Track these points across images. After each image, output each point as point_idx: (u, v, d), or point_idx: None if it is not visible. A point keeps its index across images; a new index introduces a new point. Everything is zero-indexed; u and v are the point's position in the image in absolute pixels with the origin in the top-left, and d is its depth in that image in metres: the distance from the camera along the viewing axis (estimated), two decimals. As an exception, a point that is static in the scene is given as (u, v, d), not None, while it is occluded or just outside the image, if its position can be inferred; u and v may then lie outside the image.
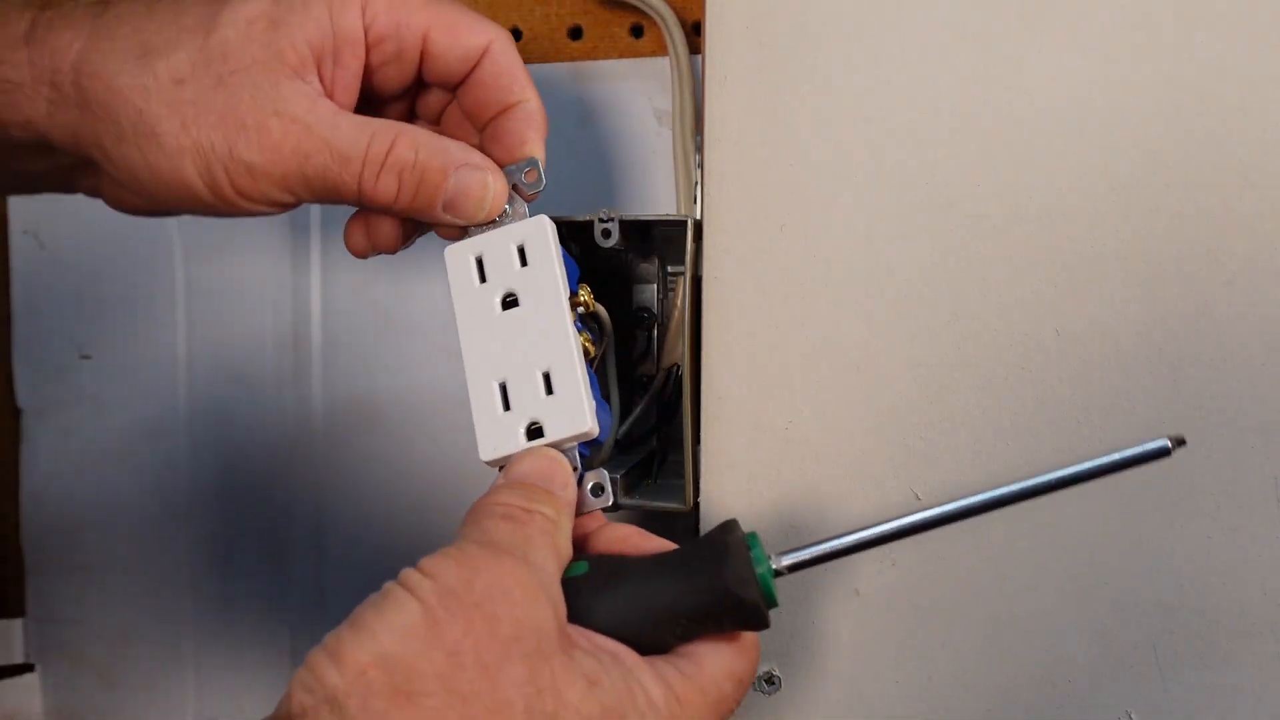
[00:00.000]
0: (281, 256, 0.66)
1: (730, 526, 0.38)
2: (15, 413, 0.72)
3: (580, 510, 0.41)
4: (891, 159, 0.48)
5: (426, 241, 0.63)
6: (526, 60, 0.61)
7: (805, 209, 0.49)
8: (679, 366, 0.53)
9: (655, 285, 0.56)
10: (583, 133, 0.60)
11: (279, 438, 0.67)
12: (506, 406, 0.41)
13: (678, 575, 0.37)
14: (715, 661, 0.37)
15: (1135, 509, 0.46)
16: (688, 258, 0.50)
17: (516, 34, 0.62)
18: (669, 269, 0.56)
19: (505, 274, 0.42)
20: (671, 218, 0.51)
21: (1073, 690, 0.47)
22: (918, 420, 0.48)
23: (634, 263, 0.56)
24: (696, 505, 0.51)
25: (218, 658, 0.69)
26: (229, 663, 0.69)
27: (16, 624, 0.72)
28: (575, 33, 0.60)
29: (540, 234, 0.42)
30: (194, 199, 0.41)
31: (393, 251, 0.46)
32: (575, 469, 0.41)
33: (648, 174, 0.59)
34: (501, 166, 0.43)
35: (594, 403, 0.40)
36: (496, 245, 0.43)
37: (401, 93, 0.45)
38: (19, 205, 0.71)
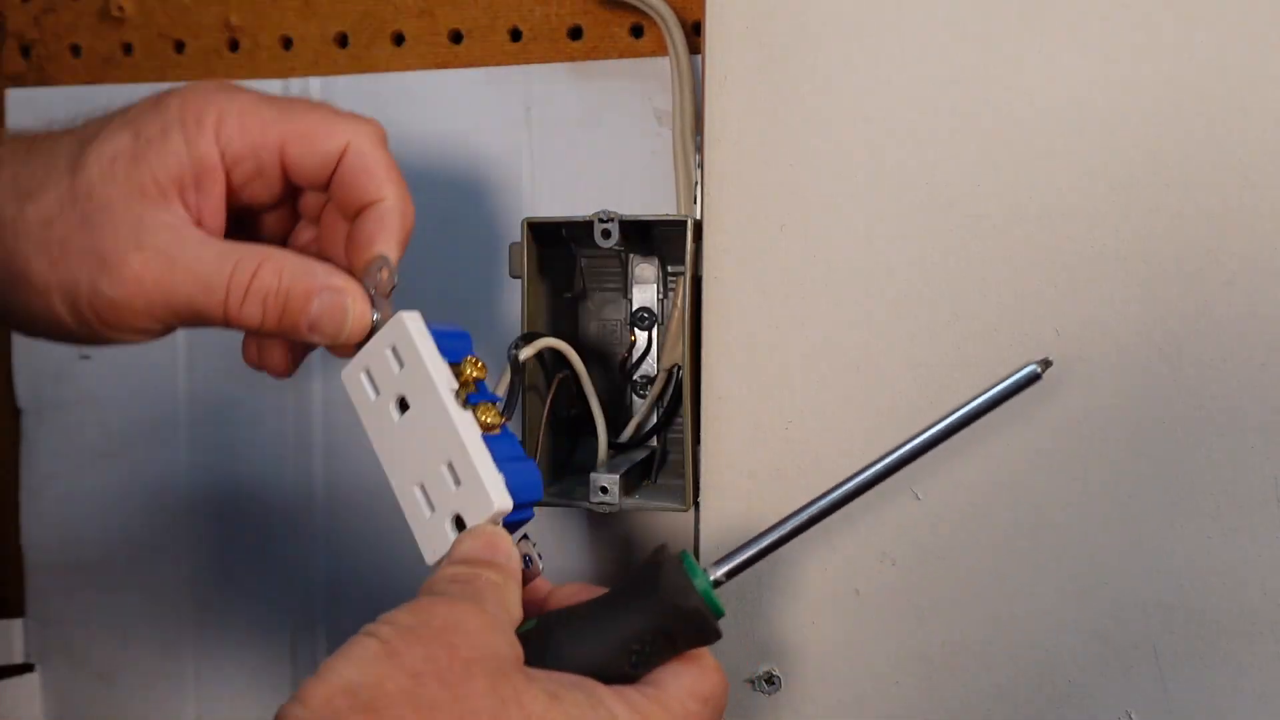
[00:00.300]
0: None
1: (659, 549, 0.39)
2: (15, 413, 0.72)
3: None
4: (891, 159, 0.48)
5: (418, 249, 0.63)
6: (526, 60, 0.61)
7: (805, 209, 0.49)
8: (679, 367, 0.53)
9: (655, 285, 0.56)
10: (583, 133, 0.60)
11: (279, 438, 0.67)
12: (432, 507, 0.42)
13: (621, 604, 0.38)
14: (676, 682, 0.38)
15: (1135, 509, 0.46)
16: (688, 258, 0.50)
17: (516, 34, 0.62)
18: (669, 269, 0.56)
19: (389, 380, 0.42)
20: (671, 218, 0.51)
21: (1073, 690, 0.47)
22: (918, 420, 0.48)
23: (633, 263, 0.57)
24: (696, 505, 0.51)
25: (218, 658, 0.69)
26: (229, 663, 0.69)
27: (16, 624, 0.72)
28: (575, 33, 0.60)
29: (401, 332, 0.42)
30: (68, 334, 0.42)
31: (282, 375, 0.47)
32: None
33: (648, 174, 0.59)
34: (363, 269, 0.43)
35: (500, 476, 0.40)
36: (375, 355, 0.43)
37: (278, 201, 0.45)
38: (19, 205, 0.71)
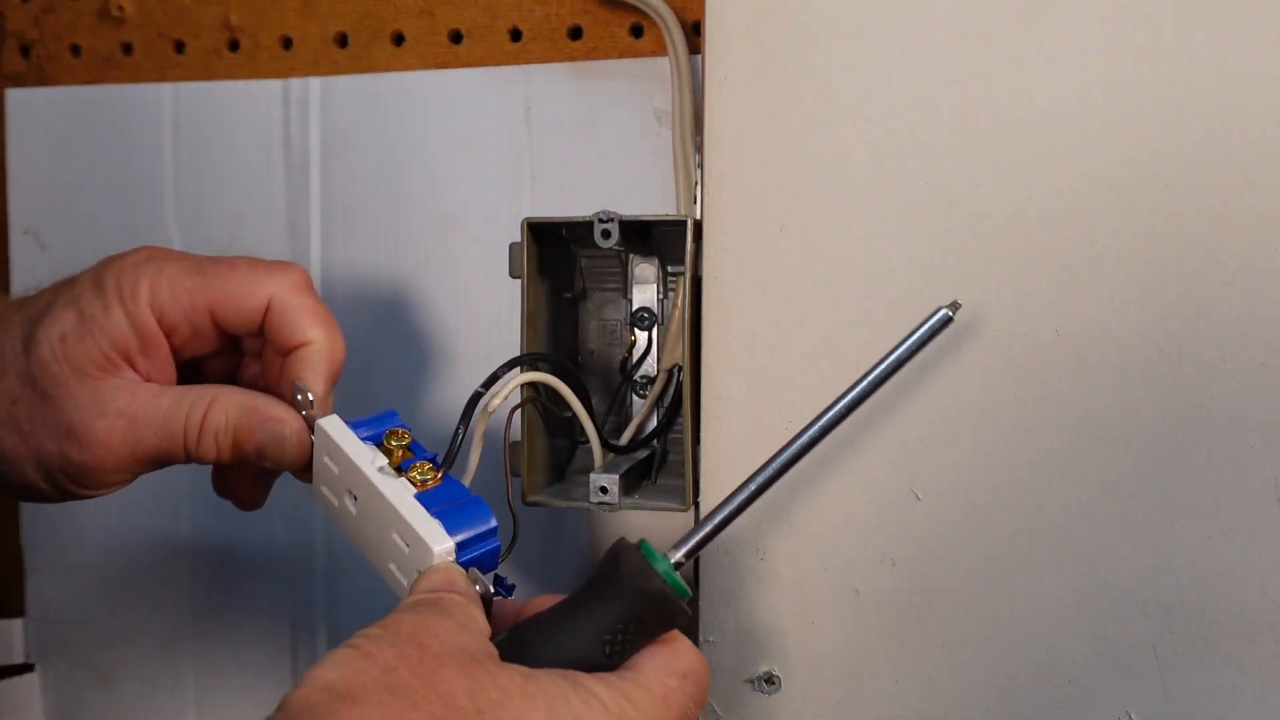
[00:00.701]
0: (281, 257, 0.66)
1: (617, 541, 0.40)
2: (15, 413, 0.72)
3: None
4: (891, 159, 0.48)
5: (418, 250, 0.63)
6: (526, 60, 0.61)
7: (805, 209, 0.49)
8: (679, 367, 0.53)
9: (655, 285, 0.56)
10: (583, 133, 0.60)
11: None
12: (405, 576, 0.44)
13: (587, 599, 0.39)
14: (652, 663, 0.39)
15: (1135, 509, 0.46)
16: (688, 258, 0.50)
17: (516, 34, 0.62)
18: (669, 269, 0.56)
19: (335, 483, 0.46)
20: (671, 218, 0.51)
21: (1073, 690, 0.47)
22: (918, 420, 0.48)
23: (633, 263, 0.56)
24: (696, 505, 0.51)
25: (218, 658, 0.69)
26: (229, 663, 0.69)
27: (16, 624, 0.72)
28: (575, 33, 0.60)
29: (324, 439, 0.45)
30: (44, 496, 0.47)
31: (250, 508, 0.51)
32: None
33: (648, 174, 0.59)
34: (294, 398, 0.47)
35: (435, 522, 0.42)
36: (319, 467, 0.46)
37: (220, 349, 0.49)
38: (19, 205, 0.71)
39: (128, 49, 0.69)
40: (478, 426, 0.47)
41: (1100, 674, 0.47)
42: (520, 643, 0.39)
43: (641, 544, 0.40)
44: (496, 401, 0.47)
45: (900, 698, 0.49)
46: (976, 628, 0.48)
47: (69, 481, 0.46)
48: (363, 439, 0.45)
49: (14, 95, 0.71)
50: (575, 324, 0.58)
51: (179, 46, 0.68)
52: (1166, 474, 0.46)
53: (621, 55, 0.60)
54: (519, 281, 0.52)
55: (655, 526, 0.58)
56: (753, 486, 0.42)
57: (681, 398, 0.53)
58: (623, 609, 0.39)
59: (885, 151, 0.48)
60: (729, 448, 0.50)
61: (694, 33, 0.57)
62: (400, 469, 0.44)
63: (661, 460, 0.56)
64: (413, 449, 0.45)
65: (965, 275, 0.47)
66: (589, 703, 0.36)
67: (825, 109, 0.49)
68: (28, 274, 0.71)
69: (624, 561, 0.39)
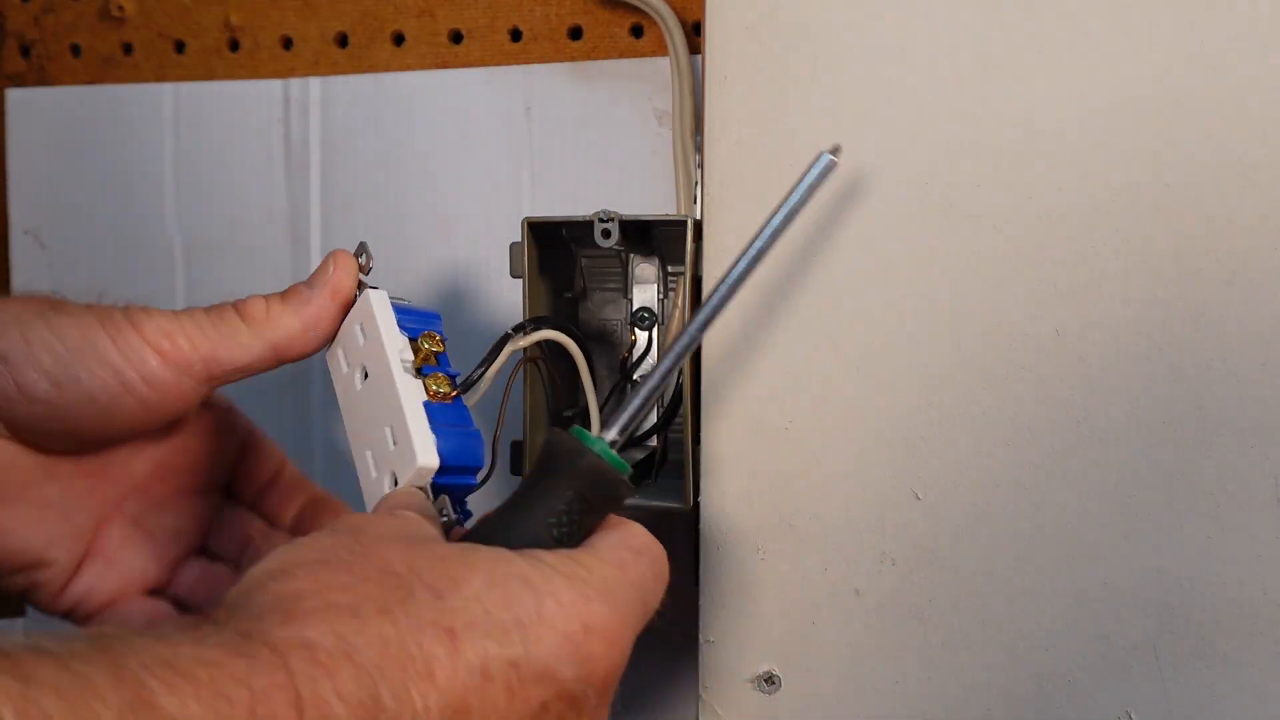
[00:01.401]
0: (281, 257, 0.66)
1: (549, 430, 0.41)
2: (15, 413, 0.71)
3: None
4: (891, 159, 0.48)
5: (418, 250, 0.63)
6: (526, 60, 0.62)
7: (805, 209, 0.49)
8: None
9: (655, 285, 0.56)
10: (583, 133, 0.60)
11: (278, 437, 0.67)
12: (376, 469, 0.44)
13: (529, 487, 0.39)
14: (604, 540, 0.39)
15: (1135, 509, 0.46)
16: (688, 258, 0.50)
17: (516, 34, 0.62)
18: (669, 269, 0.56)
19: (356, 353, 0.45)
20: (671, 218, 0.51)
21: (1073, 690, 0.47)
22: (918, 420, 0.48)
23: (633, 263, 0.57)
24: (696, 505, 0.51)
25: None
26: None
27: (17, 624, 0.72)
28: (575, 33, 0.60)
29: (366, 307, 0.45)
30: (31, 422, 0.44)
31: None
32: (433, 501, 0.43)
33: (648, 174, 0.59)
34: (356, 257, 0.46)
35: (432, 437, 0.42)
36: (347, 332, 0.46)
37: None
38: (19, 205, 0.71)
39: (128, 49, 0.69)
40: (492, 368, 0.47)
41: (1100, 674, 0.47)
42: (469, 540, 0.38)
43: (574, 429, 0.40)
44: (525, 341, 0.48)
45: (900, 698, 0.49)
46: (976, 628, 0.48)
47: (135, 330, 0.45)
48: (400, 326, 0.45)
49: (14, 95, 0.71)
50: (575, 324, 0.58)
51: (179, 46, 0.68)
52: (1166, 474, 0.46)
53: (621, 55, 0.60)
54: (519, 281, 0.52)
55: (656, 525, 0.58)
56: (671, 357, 0.41)
57: (679, 396, 0.53)
58: (564, 488, 0.38)
59: (885, 151, 0.48)
60: (729, 448, 0.50)
61: (694, 33, 0.57)
62: (420, 372, 0.44)
63: (661, 460, 0.56)
64: (439, 359, 0.45)
65: (965, 275, 0.47)
66: (536, 565, 0.36)
67: (825, 109, 0.49)
68: (28, 274, 0.71)
69: (557, 445, 0.39)
